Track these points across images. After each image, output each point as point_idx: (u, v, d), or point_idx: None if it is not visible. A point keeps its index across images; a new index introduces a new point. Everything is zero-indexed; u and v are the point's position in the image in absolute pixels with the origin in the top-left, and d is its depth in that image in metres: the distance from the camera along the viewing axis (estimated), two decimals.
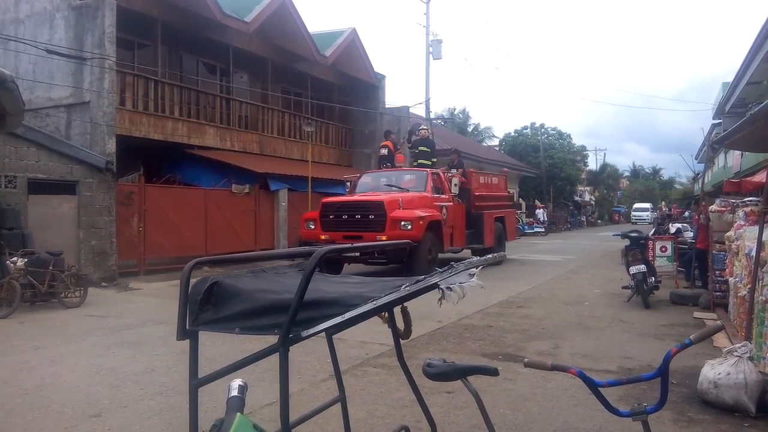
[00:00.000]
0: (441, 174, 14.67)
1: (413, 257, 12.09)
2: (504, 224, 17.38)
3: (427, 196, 13.66)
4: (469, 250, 15.32)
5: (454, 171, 15.60)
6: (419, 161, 15.93)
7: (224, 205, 16.10)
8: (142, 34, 16.65)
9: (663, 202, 54.69)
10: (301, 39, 20.03)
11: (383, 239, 11.53)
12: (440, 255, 13.28)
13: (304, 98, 22.08)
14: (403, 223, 12.05)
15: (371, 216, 12.45)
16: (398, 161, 16.22)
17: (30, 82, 13.49)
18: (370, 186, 14.41)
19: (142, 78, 15.55)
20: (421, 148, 16.14)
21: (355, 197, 13.80)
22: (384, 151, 16.60)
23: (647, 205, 61.75)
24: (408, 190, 13.63)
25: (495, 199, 17.39)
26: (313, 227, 13.17)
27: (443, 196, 14.21)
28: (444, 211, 13.72)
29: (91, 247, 12.78)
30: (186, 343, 2.13)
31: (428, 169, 14.71)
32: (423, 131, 16.50)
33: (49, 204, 12.20)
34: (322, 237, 12.68)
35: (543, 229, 36.71)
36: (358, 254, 12.29)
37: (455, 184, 14.41)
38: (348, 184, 15.58)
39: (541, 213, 39.45)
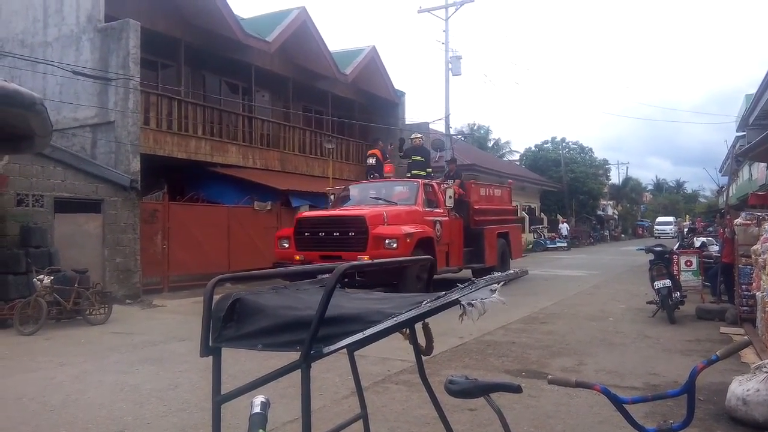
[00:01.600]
0: (435, 185, 13.32)
1: (401, 280, 10.85)
2: (508, 241, 16.10)
3: (418, 210, 12.23)
4: (469, 271, 14.00)
5: (450, 182, 14.12)
6: (413, 171, 14.52)
7: (247, 223, 16.22)
8: (166, 54, 16.96)
9: (687, 216, 53.95)
10: (321, 58, 20.25)
11: (365, 259, 10.17)
12: (435, 276, 11.58)
13: (324, 116, 22.26)
14: (387, 241, 10.70)
15: (351, 233, 11.06)
16: (386, 171, 14.67)
17: (57, 102, 13.77)
18: (356, 199, 13.11)
19: (165, 98, 15.80)
20: (414, 157, 14.85)
21: (334, 212, 12.52)
22: (371, 161, 15.32)
23: (670, 219, 60.71)
24: (396, 204, 12.25)
25: (498, 213, 16.09)
26: (287, 246, 11.82)
27: (437, 210, 12.82)
28: (438, 226, 12.39)
29: (116, 265, 12.94)
30: (209, 359, 2.14)
31: (420, 180, 13.25)
32: (416, 140, 15.11)
33: (75, 222, 12.39)
34: (297, 257, 11.35)
35: (566, 244, 36.39)
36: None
37: (450, 197, 12.88)
38: (331, 197, 14.09)
39: (564, 227, 39.10)
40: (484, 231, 14.45)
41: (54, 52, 14.41)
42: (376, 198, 12.65)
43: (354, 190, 13.61)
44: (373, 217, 11.12)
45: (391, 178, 14.27)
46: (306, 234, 11.61)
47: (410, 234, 11.11)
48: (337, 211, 12.35)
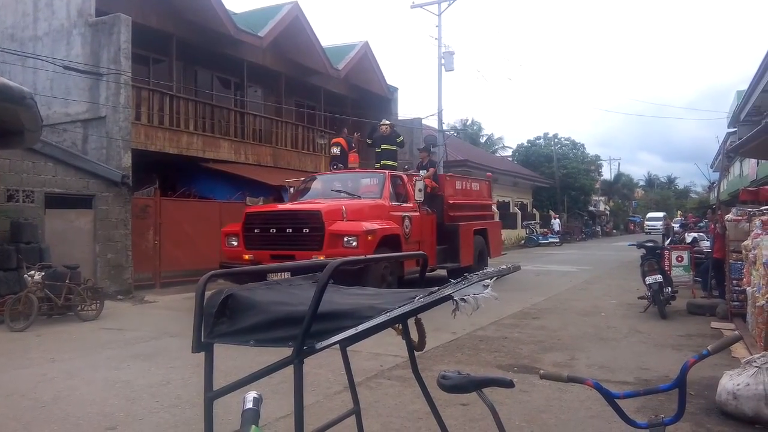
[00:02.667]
0: (404, 178, 12.06)
1: (362, 283, 9.71)
2: (486, 238, 14.97)
3: (384, 204, 10.97)
4: (444, 271, 12.78)
5: (423, 173, 12.93)
6: (382, 162, 13.23)
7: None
8: (158, 49, 16.86)
9: (679, 212, 54.22)
10: (314, 53, 20.20)
11: (321, 259, 8.67)
12: (405, 278, 10.65)
13: (317, 111, 22.21)
14: (346, 238, 9.58)
15: (305, 230, 9.87)
16: (351, 162, 13.28)
17: (47, 97, 13.68)
18: (317, 192, 11.80)
19: (157, 93, 15.72)
20: (383, 146, 13.49)
21: (286, 206, 11.45)
22: (336, 150, 14.06)
23: (661, 215, 61.02)
24: (360, 197, 11.01)
25: (475, 208, 14.96)
26: (235, 244, 10.56)
27: (407, 204, 11.57)
28: (406, 222, 11.21)
29: (107, 261, 12.88)
30: (201, 355, 2.14)
31: (387, 172, 11.95)
32: (384, 126, 13.72)
33: (66, 218, 12.32)
34: (246, 256, 10.22)
35: (558, 240, 36.49)
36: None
37: (420, 190, 11.53)
38: (291, 190, 13.02)
39: (556, 223, 39.19)
40: (460, 228, 13.38)
41: (44, 47, 14.30)
42: (338, 191, 11.37)
43: (315, 183, 12.32)
44: (330, 212, 9.90)
45: (356, 169, 12.87)
46: (256, 231, 10.36)
47: (372, 231, 9.83)
48: (290, 206, 11.21)
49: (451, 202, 13.51)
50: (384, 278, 10.04)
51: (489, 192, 16.56)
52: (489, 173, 20.55)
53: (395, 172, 12.24)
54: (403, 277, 10.58)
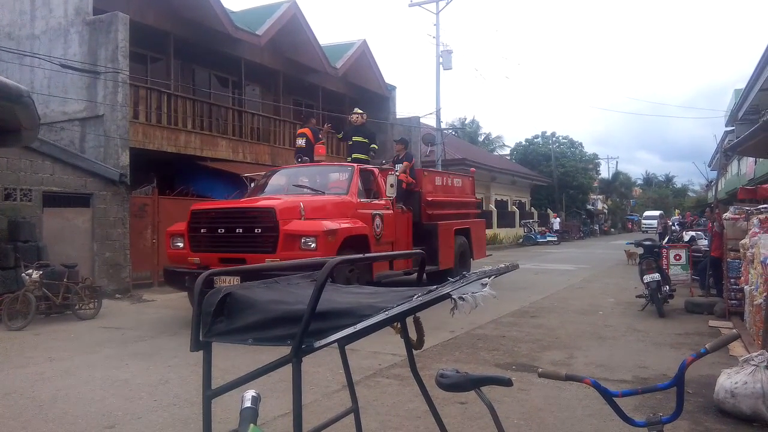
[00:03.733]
0: (376, 172, 10.85)
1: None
2: (469, 238, 13.73)
3: (351, 201, 9.78)
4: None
5: (399, 167, 11.75)
6: (353, 156, 11.77)
7: None
8: (155, 47, 16.84)
9: (677, 210, 54.26)
10: (312, 51, 20.18)
11: (275, 263, 7.61)
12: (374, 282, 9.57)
13: (315, 110, 22.18)
14: (303, 239, 8.43)
15: (257, 229, 8.69)
16: (317, 154, 12.14)
17: (45, 96, 13.66)
18: (276, 188, 10.55)
19: (155, 91, 15.69)
20: (355, 138, 11.97)
21: (236, 202, 10.19)
22: (301, 142, 12.60)
23: (657, 213, 60.88)
24: (323, 193, 9.92)
25: (456, 206, 13.82)
26: (180, 245, 9.32)
27: (378, 201, 10.41)
28: (377, 221, 10.10)
29: (105, 259, 12.87)
30: (199, 354, 2.14)
31: (356, 165, 10.73)
32: (355, 116, 12.22)
33: (64, 217, 12.31)
34: (191, 260, 9.07)
35: (556, 238, 36.54)
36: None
37: (391, 185, 10.31)
38: (251, 185, 11.79)
39: (556, 222, 39.18)
40: (439, 227, 12.24)
41: (42, 45, 14.27)
42: (300, 186, 10.11)
43: (276, 177, 11.04)
44: (285, 209, 8.75)
45: (322, 162, 11.80)
46: (202, 231, 9.10)
47: (333, 231, 8.70)
48: (240, 202, 10.00)
49: (429, 199, 12.39)
50: (348, 282, 8.56)
51: (472, 188, 15.39)
52: (472, 168, 19.03)
53: (366, 166, 10.95)
54: (372, 282, 9.39)
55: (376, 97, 24.19)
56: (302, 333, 1.83)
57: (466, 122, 55.20)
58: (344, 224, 9.17)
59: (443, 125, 28.83)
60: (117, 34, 13.47)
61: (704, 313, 9.64)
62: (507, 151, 54.32)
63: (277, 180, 10.87)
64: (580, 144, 53.68)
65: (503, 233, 34.99)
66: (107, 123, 13.53)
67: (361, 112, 12.46)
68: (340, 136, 12.93)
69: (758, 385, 4.51)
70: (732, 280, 9.01)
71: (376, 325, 1.91)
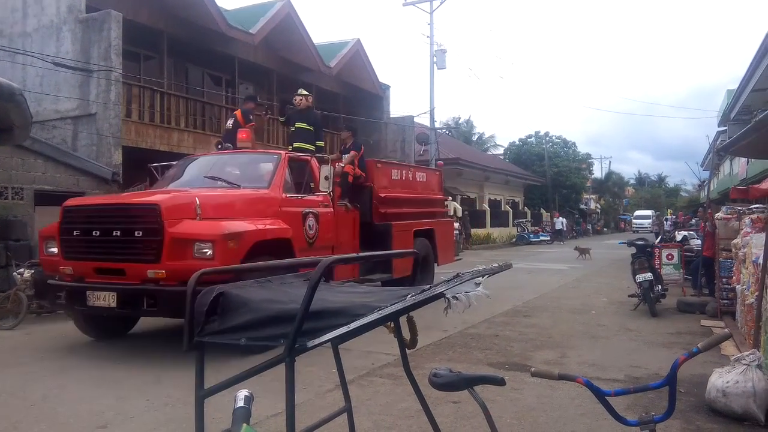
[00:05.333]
0: (312, 162, 8.99)
1: None
2: (432, 241, 11.95)
3: (271, 196, 7.95)
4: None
5: (345, 158, 10.23)
6: (295, 145, 9.89)
7: None
8: (148, 46, 16.78)
9: (669, 210, 54.47)
10: (305, 50, 20.16)
11: (159, 275, 6.58)
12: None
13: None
14: (197, 245, 6.62)
15: (138, 232, 6.76)
16: (241, 139, 9.64)
17: (37, 94, 13.59)
18: (187, 180, 8.58)
19: (148, 90, 15.65)
20: (298, 124, 10.12)
21: (114, 197, 8.71)
22: (229, 124, 10.45)
23: (648, 213, 60.59)
24: (239, 186, 8.06)
25: (418, 203, 12.04)
26: (54, 251, 7.41)
27: (314, 197, 8.66)
28: (310, 221, 8.40)
29: None
30: (192, 353, 2.13)
31: (284, 153, 8.84)
32: (298, 99, 10.32)
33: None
34: (64, 269, 7.23)
35: (549, 238, 36.62)
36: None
37: (325, 177, 8.56)
38: (158, 177, 9.58)
39: (560, 222, 38.97)
40: (394, 228, 10.56)
41: (34, 43, 14.21)
42: (213, 178, 8.26)
43: (189, 167, 9.09)
44: (174, 206, 6.88)
45: (245, 150, 9.46)
46: (75, 233, 7.17)
47: (236, 234, 6.90)
48: (119, 197, 8.44)
49: (382, 195, 10.66)
50: None
51: (439, 184, 13.71)
52: (440, 161, 17.41)
53: (298, 155, 9.07)
54: None
55: (370, 96, 24.19)
56: (295, 332, 1.83)
57: (460, 122, 55.27)
58: (255, 225, 7.34)
59: (437, 125, 28.84)
60: (110, 32, 13.43)
61: (696, 312, 9.68)
62: (500, 150, 54.44)
63: (191, 170, 8.88)
64: (574, 144, 53.90)
65: (496, 233, 35.06)
66: (100, 121, 13.48)
67: (306, 93, 10.53)
68: (282, 120, 11.10)
69: (749, 384, 4.53)
70: (724, 280, 9.05)
71: (369, 324, 1.91)
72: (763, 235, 6.12)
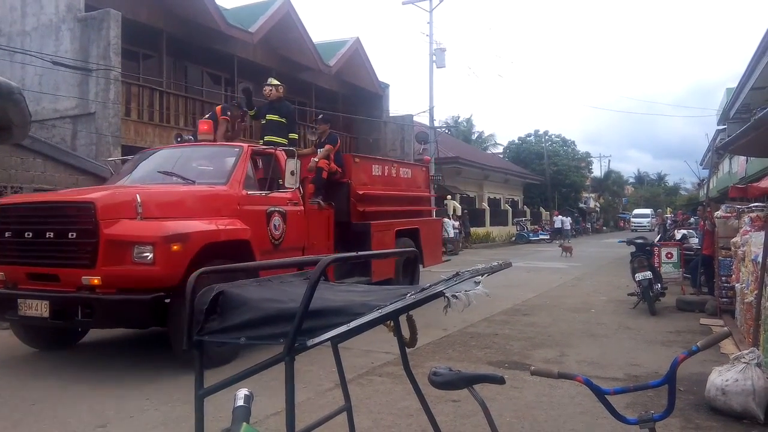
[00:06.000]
0: (279, 156, 8.11)
1: (170, 322, 6.07)
2: (417, 241, 11.05)
3: (228, 193, 7.13)
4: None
5: (320, 152, 9.58)
6: (266, 138, 9.14)
7: None
8: (147, 45, 16.77)
9: (669, 209, 54.47)
10: (305, 49, 20.15)
11: (94, 282, 5.91)
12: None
13: (308, 108, 22.16)
14: (136, 248, 5.86)
15: (72, 233, 6.04)
16: (201, 132, 9.02)
17: (36, 93, 13.57)
18: (140, 176, 7.71)
19: (147, 88, 15.64)
20: (268, 116, 9.36)
21: (48, 195, 7.71)
22: (206, 117, 9.79)
23: (647, 211, 60.17)
24: (194, 182, 7.27)
25: (402, 201, 11.34)
26: None
27: (281, 194, 7.85)
28: (275, 221, 7.58)
29: None
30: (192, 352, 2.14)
31: (246, 146, 8.05)
32: (268, 89, 9.45)
33: None
34: None
35: (548, 237, 36.61)
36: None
37: (291, 172, 7.76)
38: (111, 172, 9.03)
39: (567, 221, 38.45)
40: (373, 228, 9.81)
41: (33, 42, 14.20)
42: (167, 173, 7.43)
43: (145, 162, 8.20)
44: (111, 205, 6.13)
45: (204, 143, 8.75)
46: (6, 234, 6.47)
47: (181, 236, 6.07)
48: (52, 195, 7.51)
49: (360, 192, 9.92)
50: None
51: (426, 181, 12.85)
52: (427, 157, 16.06)
53: (261, 148, 8.41)
54: None
55: (370, 95, 24.18)
56: (295, 331, 1.83)
57: (460, 120, 55.27)
58: (206, 225, 6.55)
59: (437, 123, 28.82)
60: (109, 31, 13.42)
61: (695, 311, 9.68)
62: (500, 149, 54.45)
63: (146, 165, 8.07)
64: (573, 142, 53.94)
65: (496, 231, 35.07)
66: (99, 120, 13.47)
67: (277, 83, 9.59)
68: (253, 112, 9.87)
69: (749, 383, 4.54)
70: (723, 278, 9.05)
71: (369, 323, 1.91)
72: (763, 233, 6.12)
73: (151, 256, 5.88)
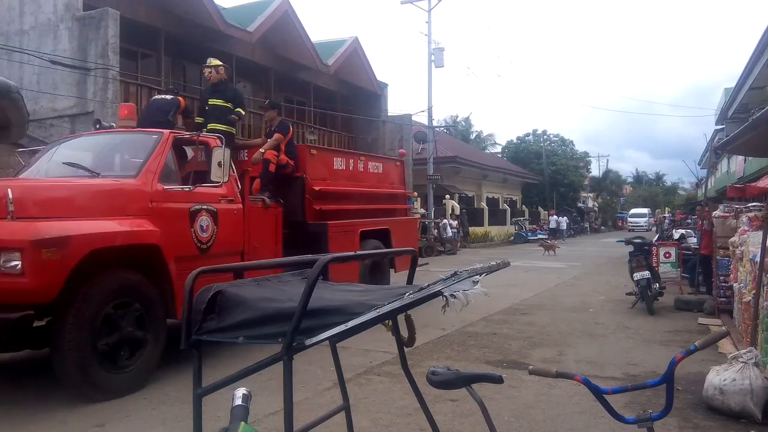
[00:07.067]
0: (210, 142, 6.86)
1: (53, 345, 5.14)
2: (389, 244, 9.91)
3: (138, 187, 5.93)
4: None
5: (269, 141, 8.46)
6: (209, 126, 8.07)
7: None
8: (146, 44, 16.74)
9: (667, 208, 54.49)
10: (303, 48, 20.12)
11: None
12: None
13: (306, 107, 22.14)
14: (2, 255, 4.76)
15: None
16: (122, 116, 8.12)
17: (34, 92, 13.54)
18: (44, 168, 6.67)
19: (145, 88, 15.61)
20: (211, 101, 8.40)
21: None
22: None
23: (645, 211, 59.89)
24: (99, 174, 6.08)
25: (369, 199, 10.07)
26: None
27: (211, 189, 6.65)
28: (202, 221, 6.43)
29: None
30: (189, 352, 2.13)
31: (166, 133, 6.68)
32: (207, 70, 8.52)
33: None
34: None
35: (546, 236, 36.60)
36: None
37: (218, 164, 6.50)
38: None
39: (563, 221, 38.39)
40: (331, 228, 8.60)
41: (31, 41, 14.16)
42: (72, 165, 6.34)
43: (51, 151, 7.18)
44: None
45: (120, 128, 7.67)
46: None
47: (57, 240, 4.92)
48: None
49: (317, 188, 8.70)
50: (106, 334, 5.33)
51: (401, 177, 11.47)
52: (402, 150, 14.21)
53: (185, 135, 7.00)
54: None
55: (368, 94, 24.15)
56: (293, 331, 1.83)
57: (458, 120, 55.29)
58: (98, 227, 5.37)
59: (435, 123, 28.83)
60: (107, 30, 13.39)
61: (694, 310, 9.69)
62: (498, 149, 54.48)
63: (54, 155, 6.96)
64: (571, 142, 54.04)
65: (494, 231, 35.09)
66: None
67: (218, 63, 8.57)
68: (201, 120, 8.59)
69: (746, 382, 4.54)
70: (721, 278, 9.07)
71: (367, 322, 1.91)
72: (761, 233, 6.13)
73: (18, 264, 4.75)
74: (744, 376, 4.59)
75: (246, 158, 8.63)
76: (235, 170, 7.26)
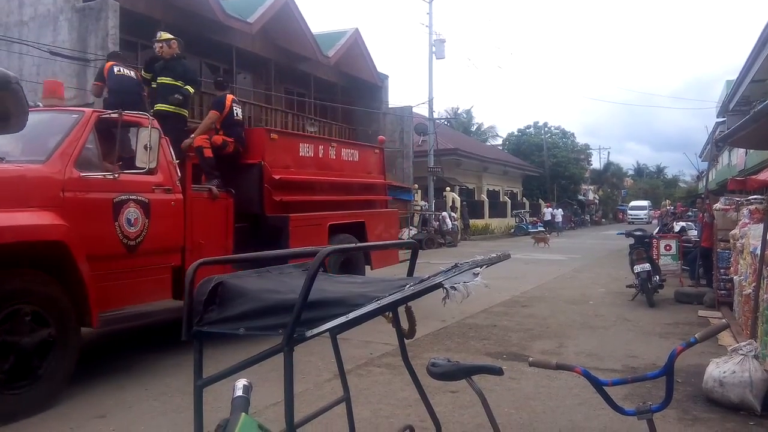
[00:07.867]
0: (142, 122, 5.86)
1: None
2: (364, 238, 9.04)
3: (46, 174, 5.04)
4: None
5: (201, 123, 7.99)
6: (157, 107, 7.16)
7: None
8: (146, 35, 16.65)
9: (668, 201, 54.44)
10: (303, 39, 20.06)
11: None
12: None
13: (307, 99, 22.10)
14: None
15: None
16: (49, 93, 6.94)
17: (34, 83, 13.52)
18: None
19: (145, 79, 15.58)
20: (160, 79, 7.54)
21: None
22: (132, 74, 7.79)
23: (645, 203, 59.50)
24: (2, 159, 5.09)
25: (339, 189, 9.13)
26: None
27: (142, 177, 5.73)
28: (129, 214, 5.59)
29: None
30: (190, 342, 2.14)
31: (89, 111, 5.83)
32: (159, 46, 7.72)
33: None
34: None
35: (545, 228, 36.60)
36: None
37: (145, 146, 5.61)
38: None
39: (559, 214, 38.39)
40: (293, 222, 7.63)
41: (30, 32, 14.13)
42: None
43: None
44: None
45: (46, 107, 6.36)
46: None
47: None
48: None
49: (278, 177, 7.71)
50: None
51: (380, 165, 10.36)
52: (381, 137, 12.71)
53: (109, 114, 5.90)
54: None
55: (369, 86, 24.10)
56: (294, 322, 1.83)
57: (459, 112, 55.17)
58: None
59: (436, 115, 28.77)
60: (107, 21, 13.36)
61: (694, 303, 9.70)
62: (499, 141, 54.39)
63: None
64: (572, 134, 53.94)
65: (495, 223, 35.09)
66: None
67: (170, 37, 7.86)
68: (149, 76, 7.88)
69: (746, 375, 4.55)
70: (722, 271, 9.06)
71: (367, 314, 1.91)
72: (761, 225, 6.13)
73: None
74: (744, 368, 4.59)
75: None
76: (173, 156, 6.38)
